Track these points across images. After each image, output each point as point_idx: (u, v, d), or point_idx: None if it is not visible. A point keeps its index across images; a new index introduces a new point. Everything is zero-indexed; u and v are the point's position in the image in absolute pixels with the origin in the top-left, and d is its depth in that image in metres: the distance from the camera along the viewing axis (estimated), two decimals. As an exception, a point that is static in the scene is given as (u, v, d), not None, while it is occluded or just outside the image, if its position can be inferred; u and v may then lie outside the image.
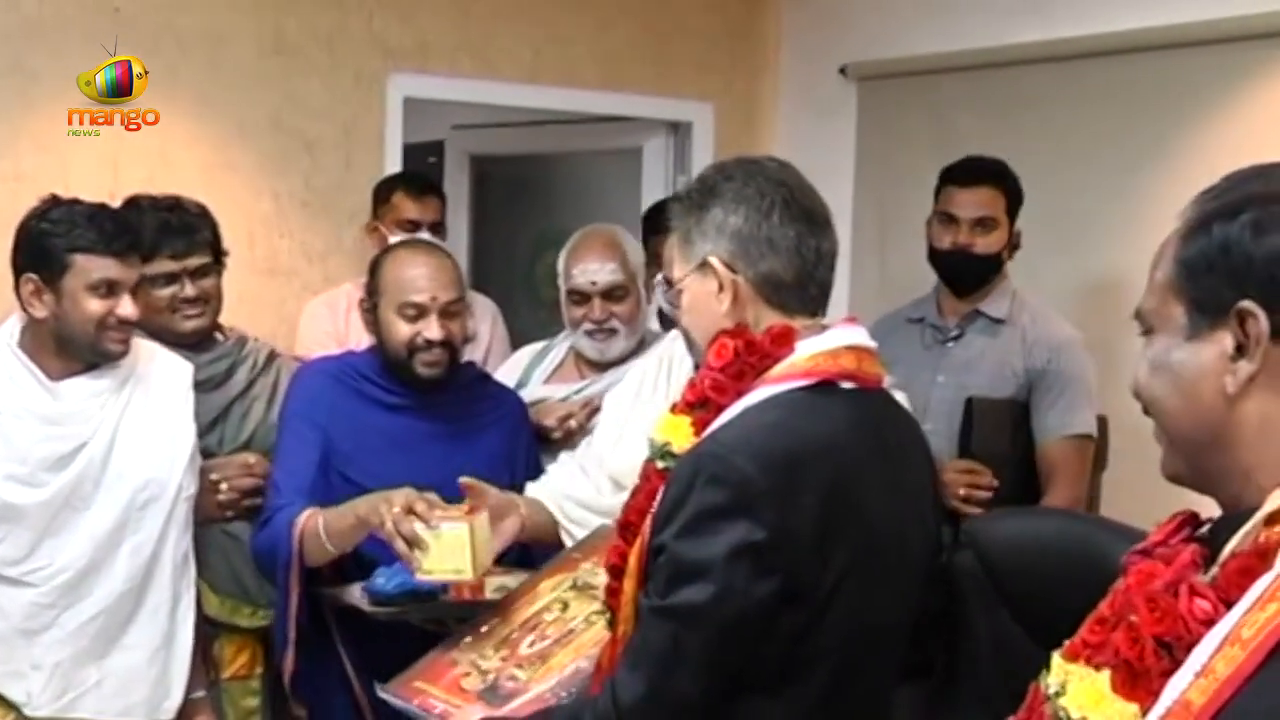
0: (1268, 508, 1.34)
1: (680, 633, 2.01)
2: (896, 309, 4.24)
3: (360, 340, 3.76)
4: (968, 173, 4.03)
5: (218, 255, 3.54)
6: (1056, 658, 1.49)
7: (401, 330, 3.22)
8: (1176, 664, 1.33)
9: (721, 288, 2.19)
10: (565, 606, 2.69)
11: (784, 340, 2.16)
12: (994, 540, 2.45)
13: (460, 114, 5.99)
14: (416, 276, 3.24)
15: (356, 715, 3.19)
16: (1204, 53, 4.22)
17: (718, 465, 2.03)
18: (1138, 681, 1.36)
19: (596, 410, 3.52)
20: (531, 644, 2.63)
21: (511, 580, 2.99)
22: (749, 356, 2.15)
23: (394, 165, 5.01)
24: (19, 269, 3.03)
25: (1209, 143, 4.14)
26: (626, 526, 2.25)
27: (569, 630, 2.62)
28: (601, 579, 2.53)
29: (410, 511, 2.78)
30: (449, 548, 2.73)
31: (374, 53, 4.97)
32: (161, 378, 3.18)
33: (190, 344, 3.41)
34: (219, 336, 3.58)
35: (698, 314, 2.26)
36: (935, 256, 4.05)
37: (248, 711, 3.48)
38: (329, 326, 4.38)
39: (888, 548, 2.17)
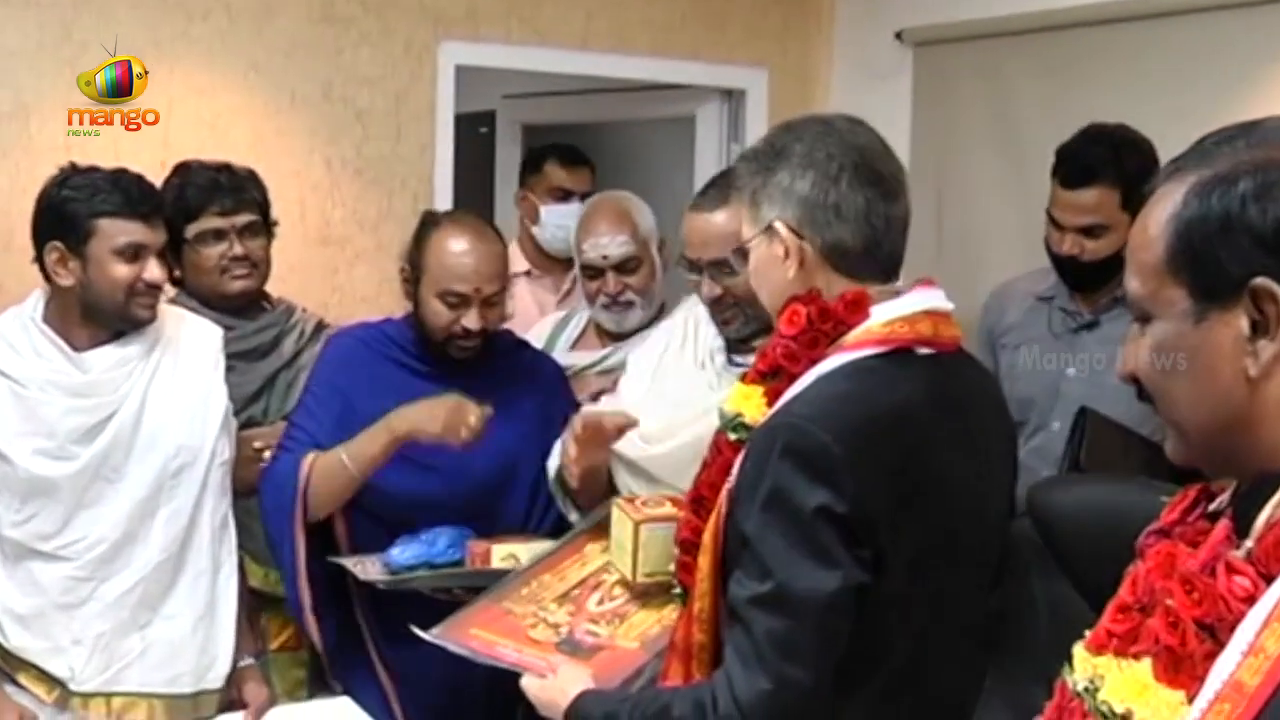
0: None
1: (786, 619, 1.96)
2: (1014, 279, 3.94)
3: None
4: (1071, 170, 3.57)
5: (266, 218, 3.53)
6: (1080, 651, 1.45)
7: (441, 315, 3.21)
8: (1220, 646, 1.28)
9: (787, 254, 2.14)
10: None
11: (858, 306, 2.11)
12: (1054, 507, 2.41)
13: (512, 83, 5.96)
14: (463, 265, 3.20)
15: (377, 684, 3.22)
16: (1268, 12, 4.13)
17: (795, 436, 1.98)
18: (1181, 668, 1.32)
19: None
20: (600, 602, 2.60)
21: (521, 549, 2.97)
22: (822, 324, 2.10)
23: (445, 133, 4.98)
24: (41, 238, 3.02)
25: (1274, 104, 4.05)
26: (699, 500, 2.22)
27: (642, 592, 2.57)
28: None
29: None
30: (622, 542, 2.58)
31: (424, 20, 4.93)
32: (190, 343, 3.16)
33: (237, 309, 3.39)
34: (266, 305, 3.57)
35: (763, 277, 2.21)
36: (1050, 254, 3.69)
37: (295, 683, 3.47)
38: None
39: (967, 517, 2.13)
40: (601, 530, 2.78)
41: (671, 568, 2.43)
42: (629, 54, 5.31)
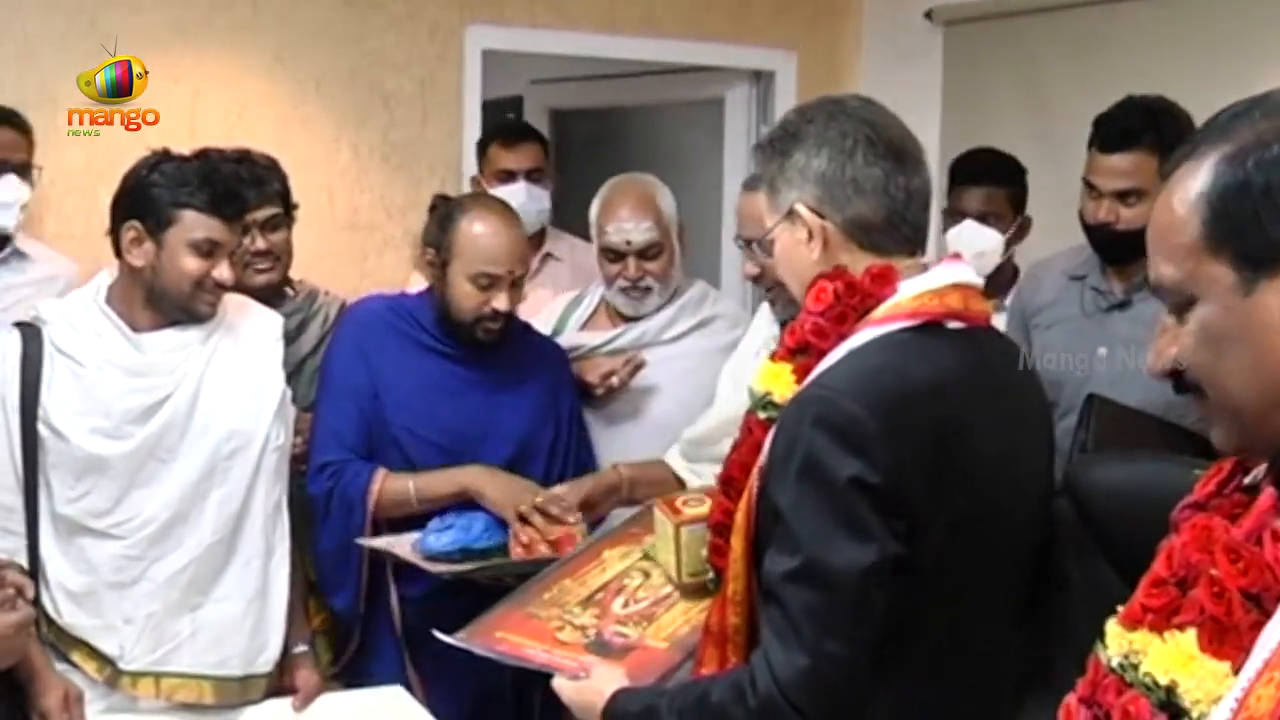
0: None
1: (822, 593, 1.93)
2: (1051, 256, 3.87)
3: None
4: (1112, 134, 3.46)
5: (288, 208, 3.52)
6: (1114, 627, 1.43)
7: (471, 297, 3.24)
8: (1266, 615, 1.27)
9: (811, 235, 2.13)
10: (647, 575, 2.63)
11: (885, 280, 2.09)
12: (1092, 486, 2.37)
13: (539, 68, 5.95)
14: (495, 247, 3.24)
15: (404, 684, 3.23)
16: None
17: (825, 408, 1.95)
18: (1226, 638, 1.30)
19: (639, 367, 3.55)
20: (625, 605, 2.56)
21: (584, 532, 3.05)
22: (850, 298, 2.09)
23: (473, 118, 4.98)
24: (120, 216, 3.03)
25: (1310, 80, 3.99)
26: (729, 481, 2.20)
27: (665, 595, 2.55)
28: None
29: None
30: (666, 544, 2.56)
31: (450, 4, 4.93)
32: (250, 329, 3.17)
33: (260, 300, 3.38)
34: (289, 291, 3.57)
35: (790, 263, 2.20)
36: (1083, 224, 3.59)
37: (328, 665, 3.45)
38: None
39: (1003, 493, 2.10)
40: (619, 537, 2.79)
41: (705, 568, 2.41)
42: (657, 37, 5.30)
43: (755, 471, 2.09)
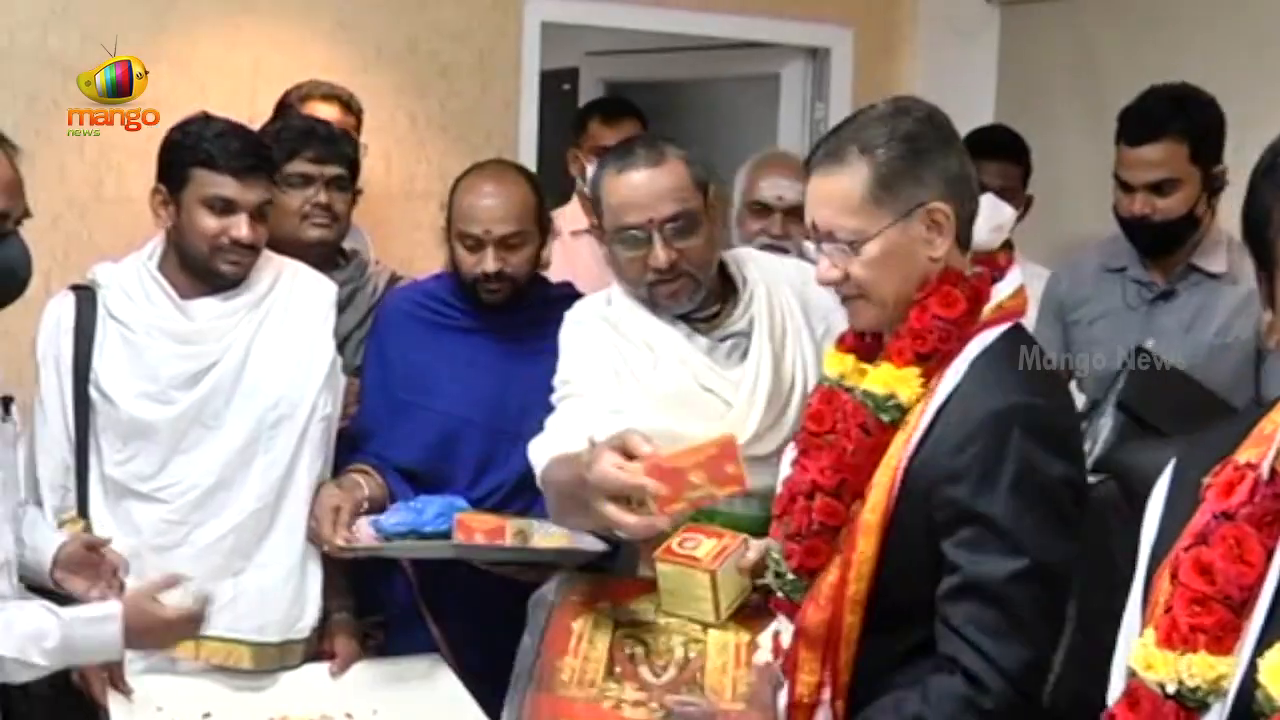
0: None
1: (1048, 590, 2.08)
2: (1084, 251, 3.84)
3: None
4: (1135, 127, 3.46)
5: (354, 176, 3.54)
6: (1156, 651, 1.44)
7: (463, 259, 3.27)
8: None
9: (938, 233, 2.19)
10: (642, 642, 2.66)
11: (988, 283, 2.23)
12: (1137, 469, 2.38)
13: (594, 40, 5.96)
14: (476, 208, 3.25)
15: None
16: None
17: (1029, 416, 2.08)
18: None
19: None
20: (656, 674, 2.60)
21: (536, 528, 2.98)
22: (975, 304, 2.19)
23: (530, 89, 5.01)
24: (157, 179, 3.07)
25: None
26: (841, 484, 2.22)
27: (680, 657, 2.60)
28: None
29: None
30: (691, 592, 2.57)
31: (510, -25, 4.94)
32: (302, 296, 3.18)
33: (312, 264, 3.39)
34: (340, 260, 3.59)
35: (893, 266, 2.21)
36: (1119, 220, 3.57)
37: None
38: None
39: None
40: (569, 609, 2.73)
41: (691, 610, 2.55)
42: (713, 11, 5.30)
43: (896, 474, 2.14)
